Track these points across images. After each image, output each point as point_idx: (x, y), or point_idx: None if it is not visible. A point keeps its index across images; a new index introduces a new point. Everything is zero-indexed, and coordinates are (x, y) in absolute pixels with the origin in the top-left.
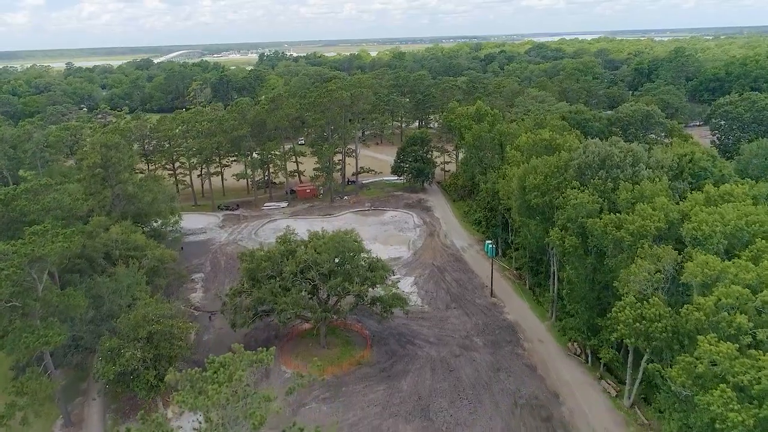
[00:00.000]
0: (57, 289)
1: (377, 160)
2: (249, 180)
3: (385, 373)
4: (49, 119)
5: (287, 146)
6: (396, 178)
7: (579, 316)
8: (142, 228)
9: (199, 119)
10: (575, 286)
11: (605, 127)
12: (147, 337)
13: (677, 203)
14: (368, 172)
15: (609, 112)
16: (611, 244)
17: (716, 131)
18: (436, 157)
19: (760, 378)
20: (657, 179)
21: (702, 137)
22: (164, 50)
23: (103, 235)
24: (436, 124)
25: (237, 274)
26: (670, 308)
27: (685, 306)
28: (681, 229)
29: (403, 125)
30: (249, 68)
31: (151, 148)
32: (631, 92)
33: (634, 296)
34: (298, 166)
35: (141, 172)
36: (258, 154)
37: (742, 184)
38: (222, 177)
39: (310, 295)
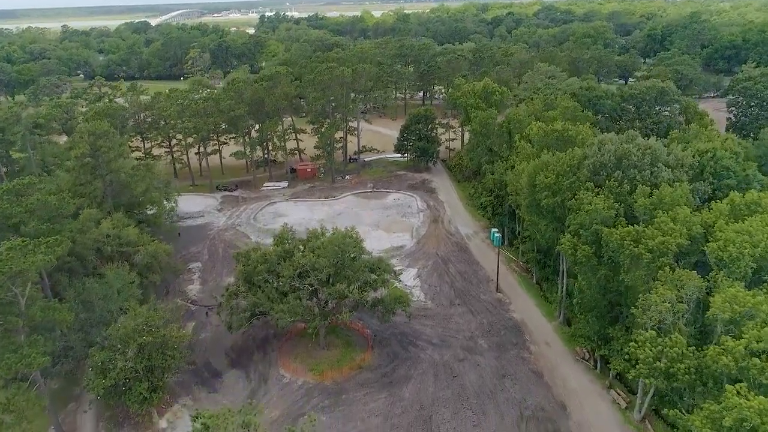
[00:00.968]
0: (42, 297)
1: (380, 134)
2: (248, 160)
3: (386, 378)
4: (42, 91)
5: (287, 123)
6: (399, 156)
7: (589, 325)
8: (137, 215)
9: (195, 98)
10: (586, 295)
11: (617, 104)
12: (138, 349)
13: (698, 209)
14: (370, 151)
15: (620, 81)
16: (628, 259)
17: (733, 108)
18: (440, 134)
19: None
20: (678, 183)
21: (716, 110)
22: (162, 9)
23: (94, 231)
24: (441, 96)
25: (234, 266)
26: (694, 347)
27: (712, 347)
28: (704, 246)
29: (407, 96)
30: (249, 31)
31: (146, 126)
32: (643, 60)
33: (653, 328)
34: (298, 143)
35: (137, 149)
36: (257, 131)
37: None
38: (220, 155)
39: (308, 298)
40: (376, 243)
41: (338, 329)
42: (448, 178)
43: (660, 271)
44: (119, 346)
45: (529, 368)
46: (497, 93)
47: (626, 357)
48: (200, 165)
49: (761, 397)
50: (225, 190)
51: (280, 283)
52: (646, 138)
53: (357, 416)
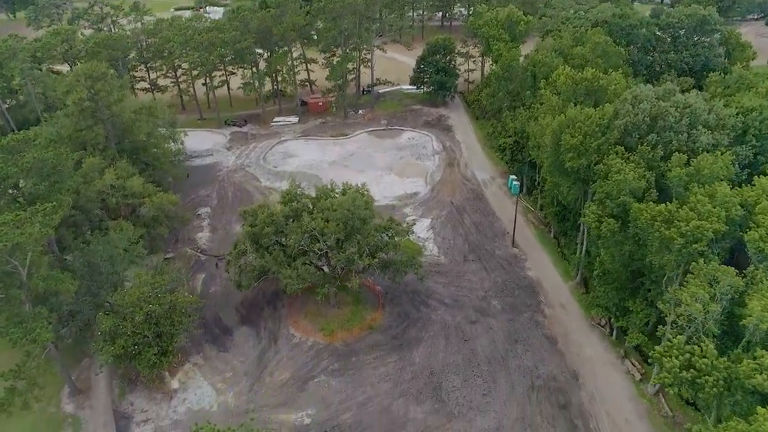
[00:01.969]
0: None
1: (396, 62)
2: (256, 94)
3: (396, 340)
4: (42, 12)
5: (297, 53)
6: (415, 88)
7: (608, 296)
8: (143, 159)
9: (198, 29)
10: (607, 268)
11: (652, 34)
12: (146, 317)
13: (739, 184)
14: (384, 84)
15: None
16: (657, 241)
17: None
18: (459, 64)
19: None
20: (718, 151)
21: (760, 36)
22: None
23: (97, 182)
24: (461, 17)
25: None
26: (725, 359)
27: (745, 362)
28: (743, 232)
29: (425, 18)
30: None
31: (150, 55)
32: None
33: (680, 327)
34: (309, 74)
35: (142, 80)
36: (265, 61)
37: None
38: (228, 87)
39: (317, 263)
40: (388, 189)
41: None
42: (465, 114)
43: (693, 263)
44: (129, 310)
45: (543, 333)
46: (522, 23)
47: (644, 331)
48: (207, 97)
49: None
50: (234, 125)
51: (288, 247)
52: (682, 82)
53: (367, 381)
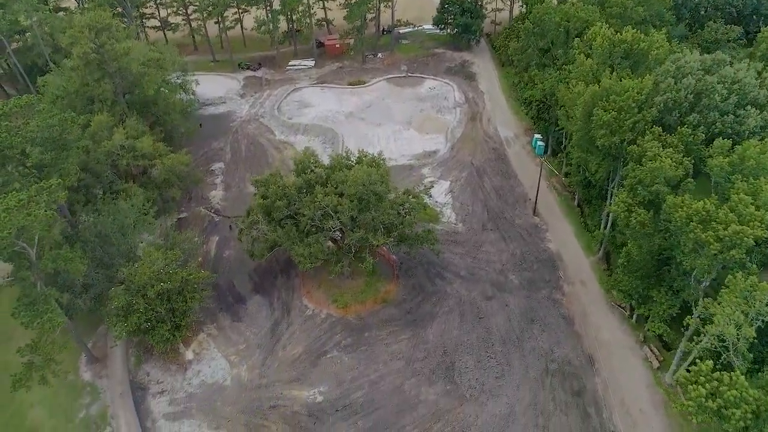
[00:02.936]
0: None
1: None
2: (270, 36)
3: (410, 315)
4: None
5: None
6: (438, 29)
7: (631, 283)
8: (153, 112)
9: None
10: (633, 259)
11: None
12: (158, 294)
13: None
14: (405, 25)
15: None
16: (691, 242)
17: None
18: (486, 3)
19: None
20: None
21: None
22: None
23: (106, 143)
24: None
25: (258, 165)
26: (757, 391)
27: None
28: None
29: None
30: None
31: None
32: None
33: (709, 351)
34: (326, 13)
35: (152, 17)
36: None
37: None
38: (242, 26)
39: (330, 240)
40: (407, 146)
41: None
42: (490, 60)
43: (729, 276)
44: (139, 290)
45: (560, 313)
46: None
47: (666, 321)
48: (220, 38)
49: None
50: (248, 68)
51: (301, 222)
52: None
53: (379, 358)
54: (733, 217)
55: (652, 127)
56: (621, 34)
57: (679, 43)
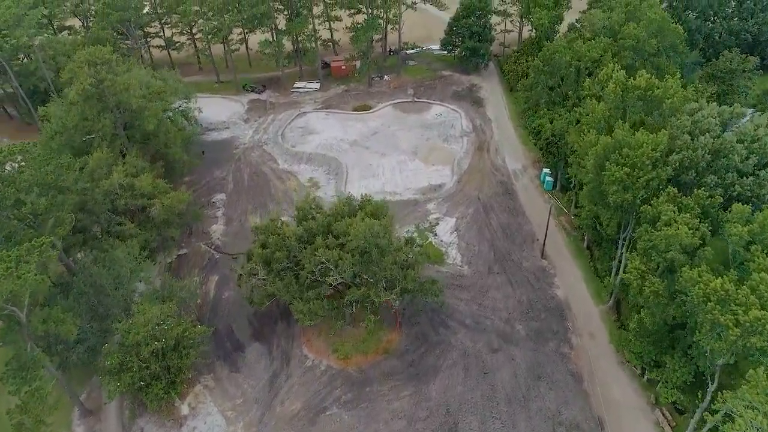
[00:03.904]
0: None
1: (427, 14)
2: (275, 59)
3: (413, 369)
4: None
5: (319, 9)
6: (446, 51)
7: (643, 348)
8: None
9: None
10: (645, 326)
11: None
12: (152, 352)
13: None
14: (413, 49)
15: None
16: (708, 324)
17: None
18: (495, 24)
19: None
20: None
21: None
22: None
23: (105, 182)
24: None
25: (261, 196)
26: None
27: None
28: None
29: None
30: None
31: (164, 11)
32: None
33: None
34: (332, 34)
35: (157, 36)
36: (285, 18)
37: None
38: (246, 46)
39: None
40: (412, 179)
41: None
42: (499, 84)
43: (751, 371)
44: (132, 350)
45: (568, 368)
46: None
47: (680, 387)
48: (225, 59)
49: None
50: (252, 90)
51: (301, 275)
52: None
53: (380, 416)
54: (754, 299)
55: (667, 188)
56: (634, 79)
57: (694, 87)
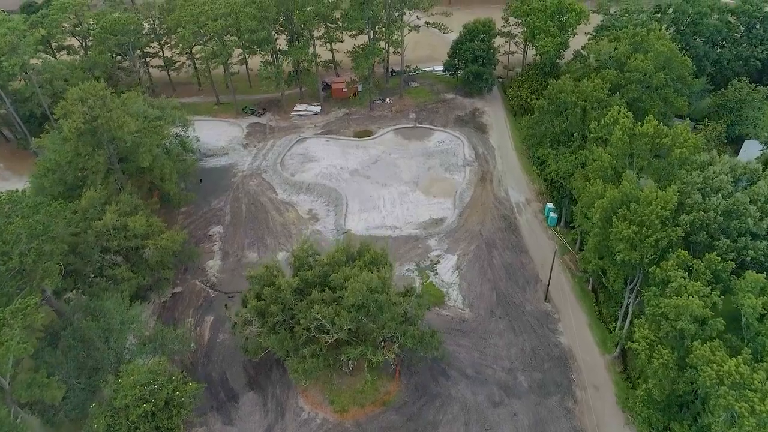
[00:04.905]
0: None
1: (430, 34)
2: (276, 83)
3: (412, 423)
4: None
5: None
6: (449, 73)
7: (652, 417)
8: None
9: (213, 16)
10: (654, 396)
11: (724, 24)
12: (142, 414)
13: None
14: (415, 72)
15: None
16: (722, 408)
17: None
18: (499, 46)
19: None
20: None
21: None
22: None
23: (97, 223)
24: None
25: (259, 229)
26: None
27: None
28: None
29: None
30: None
31: (163, 32)
32: None
33: None
34: (333, 56)
35: (157, 56)
36: (286, 39)
37: None
38: (247, 67)
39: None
40: (413, 212)
41: None
42: (502, 109)
43: None
44: (121, 411)
45: (572, 426)
46: (574, 14)
47: None
48: (226, 82)
49: None
50: (252, 113)
51: (296, 330)
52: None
53: None
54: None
55: (677, 250)
56: (641, 125)
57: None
